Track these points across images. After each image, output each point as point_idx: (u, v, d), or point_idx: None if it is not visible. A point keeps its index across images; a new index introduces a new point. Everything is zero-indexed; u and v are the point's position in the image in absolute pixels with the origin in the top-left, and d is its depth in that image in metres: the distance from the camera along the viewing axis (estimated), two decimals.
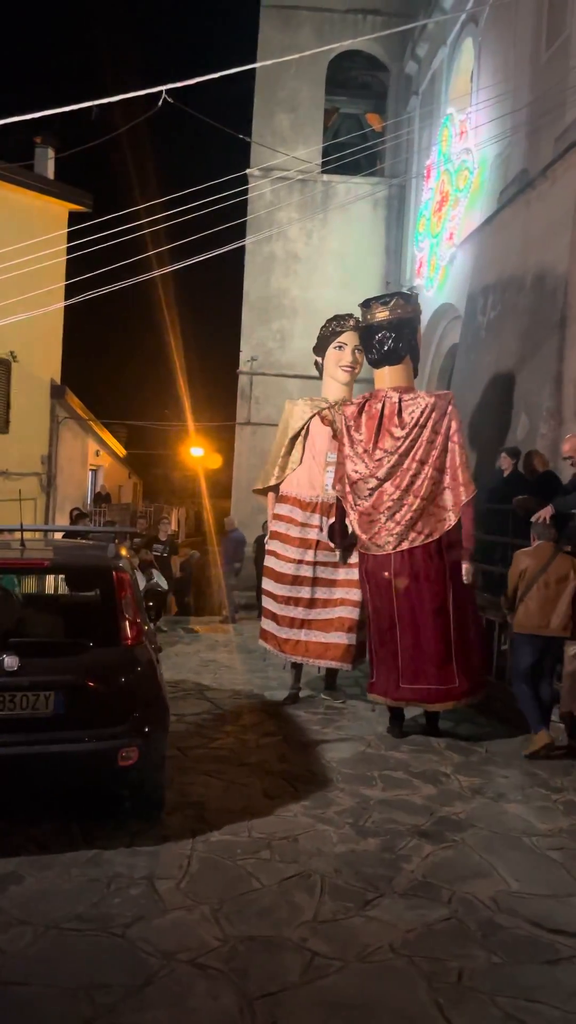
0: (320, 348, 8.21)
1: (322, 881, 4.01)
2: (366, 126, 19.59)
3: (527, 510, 7.50)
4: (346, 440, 7.18)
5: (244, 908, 3.73)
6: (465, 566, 6.73)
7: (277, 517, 7.99)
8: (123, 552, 5.42)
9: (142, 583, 10.72)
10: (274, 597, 7.81)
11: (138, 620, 4.76)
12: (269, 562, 7.98)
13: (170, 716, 4.92)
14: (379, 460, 6.91)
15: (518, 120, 11.19)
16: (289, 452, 7.95)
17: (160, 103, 6.45)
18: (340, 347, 7.95)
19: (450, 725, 7.04)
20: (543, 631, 6.15)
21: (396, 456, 6.82)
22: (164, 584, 11.93)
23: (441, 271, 14.46)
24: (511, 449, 8.85)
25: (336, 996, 3.09)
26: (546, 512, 6.82)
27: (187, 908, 3.71)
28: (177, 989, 3.10)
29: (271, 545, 8.00)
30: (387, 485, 6.82)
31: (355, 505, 7.02)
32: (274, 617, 7.81)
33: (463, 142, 13.50)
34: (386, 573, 6.72)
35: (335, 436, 7.54)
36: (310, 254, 18.33)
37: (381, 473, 6.86)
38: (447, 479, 6.79)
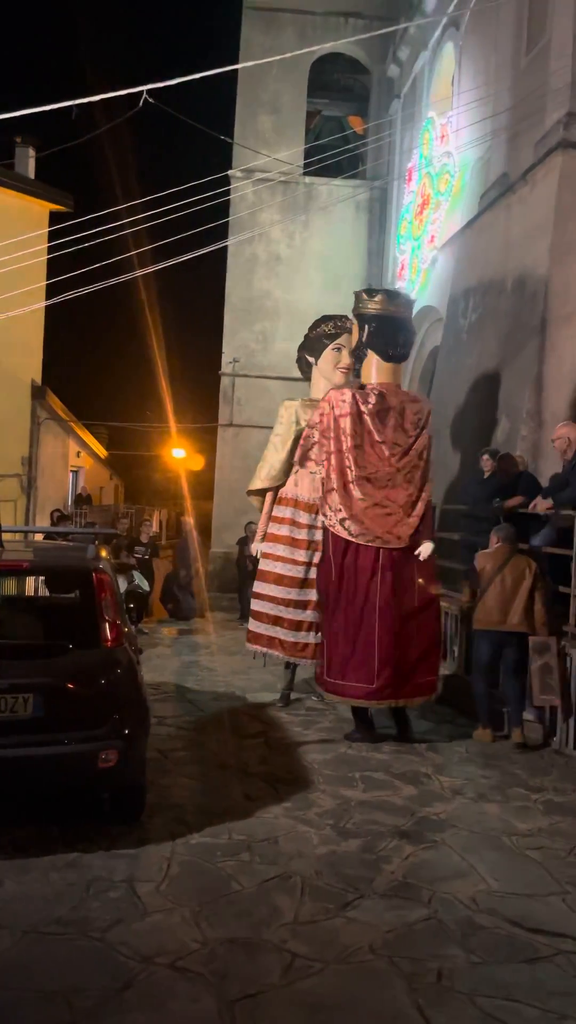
0: (313, 348, 8.08)
1: (303, 883, 4.01)
2: (348, 129, 19.64)
3: (507, 511, 7.57)
4: (360, 428, 6.90)
5: (224, 910, 3.72)
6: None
7: (277, 520, 7.89)
8: (103, 554, 5.39)
9: (124, 586, 10.68)
10: (275, 600, 7.73)
11: (118, 622, 4.74)
12: (268, 566, 7.84)
13: (151, 718, 4.91)
14: (397, 456, 6.91)
15: (498, 124, 11.26)
16: (293, 453, 7.78)
17: (141, 103, 6.43)
18: (339, 349, 7.85)
19: (431, 726, 7.07)
20: (501, 627, 6.48)
21: (411, 453, 6.94)
22: (145, 586, 11.88)
23: (423, 274, 14.52)
24: (492, 450, 8.90)
25: (316, 997, 3.08)
26: (546, 504, 6.91)
27: (167, 911, 3.70)
28: (156, 992, 3.08)
29: (269, 548, 7.87)
30: (406, 482, 6.89)
31: (360, 496, 6.81)
32: (276, 620, 7.70)
33: (444, 145, 13.58)
34: (394, 567, 6.66)
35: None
36: (292, 256, 18.36)
37: (404, 469, 6.89)
38: (428, 484, 7.04)
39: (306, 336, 8.24)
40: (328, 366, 7.93)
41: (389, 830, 4.71)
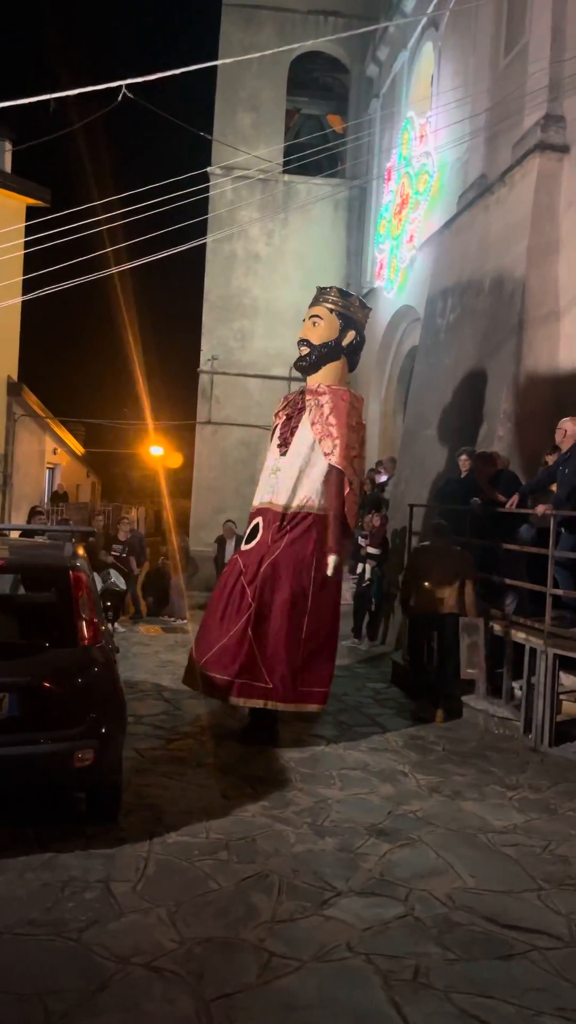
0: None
1: (280, 881, 4.01)
2: (327, 127, 19.68)
3: (484, 510, 7.61)
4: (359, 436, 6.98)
5: (201, 910, 3.70)
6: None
7: None
8: (80, 552, 5.35)
9: (100, 583, 10.61)
10: None
11: (95, 620, 4.70)
12: None
13: (128, 717, 4.88)
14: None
15: (477, 125, 11.32)
16: None
17: (120, 98, 6.37)
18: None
19: (407, 723, 7.10)
20: (439, 609, 7.27)
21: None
22: (122, 584, 11.80)
23: (401, 273, 14.57)
24: (469, 450, 8.95)
25: (293, 996, 3.08)
26: (545, 507, 6.96)
27: (143, 911, 3.68)
28: (132, 993, 3.06)
29: None
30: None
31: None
32: None
33: (423, 145, 13.62)
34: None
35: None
36: (271, 254, 18.34)
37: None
38: None
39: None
40: None
41: (366, 828, 4.72)
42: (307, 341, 7.09)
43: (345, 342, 7.07)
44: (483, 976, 3.26)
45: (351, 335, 7.10)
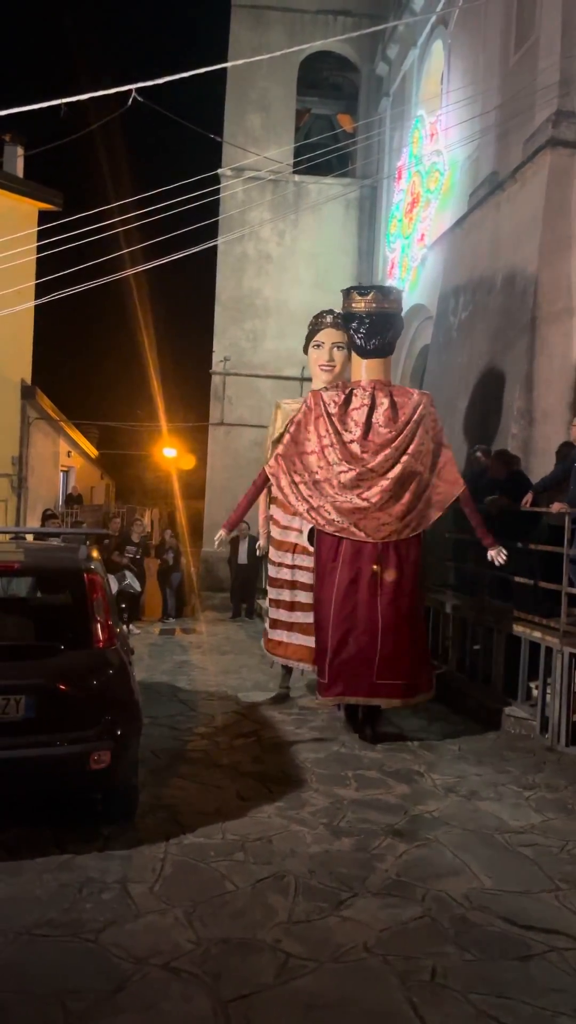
0: (306, 347, 7.97)
1: (296, 882, 4.01)
2: (337, 127, 19.66)
3: (500, 509, 7.58)
4: (324, 429, 6.84)
5: (218, 910, 3.71)
6: (492, 550, 6.84)
7: (272, 522, 7.87)
8: (94, 554, 5.37)
9: (115, 585, 10.66)
10: (273, 603, 7.79)
11: (110, 622, 4.72)
12: (270, 569, 7.97)
13: (143, 718, 4.90)
14: (373, 452, 6.76)
15: (487, 123, 11.28)
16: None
17: (130, 101, 6.41)
18: (318, 346, 7.71)
19: (423, 723, 7.09)
20: None
21: (391, 450, 6.71)
22: (136, 586, 11.85)
23: (413, 272, 14.53)
24: (484, 448, 8.92)
25: (310, 997, 3.08)
26: (526, 499, 6.95)
27: (160, 912, 3.69)
28: (150, 993, 3.07)
29: (275, 556, 7.85)
30: (382, 478, 6.67)
31: (325, 493, 6.77)
32: (304, 628, 7.55)
33: (434, 144, 13.58)
34: (374, 565, 6.59)
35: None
36: (282, 254, 18.35)
37: (375, 465, 6.70)
38: (434, 477, 6.81)
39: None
40: (313, 365, 7.84)
41: (382, 828, 4.71)
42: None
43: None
44: (501, 977, 3.24)
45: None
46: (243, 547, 13.89)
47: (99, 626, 4.61)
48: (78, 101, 6.32)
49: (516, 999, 3.10)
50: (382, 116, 17.31)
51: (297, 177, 18.00)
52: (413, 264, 14.50)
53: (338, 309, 7.42)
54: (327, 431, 6.83)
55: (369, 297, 6.98)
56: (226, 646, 11.02)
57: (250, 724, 6.96)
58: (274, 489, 7.32)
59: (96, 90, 6.33)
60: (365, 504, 6.63)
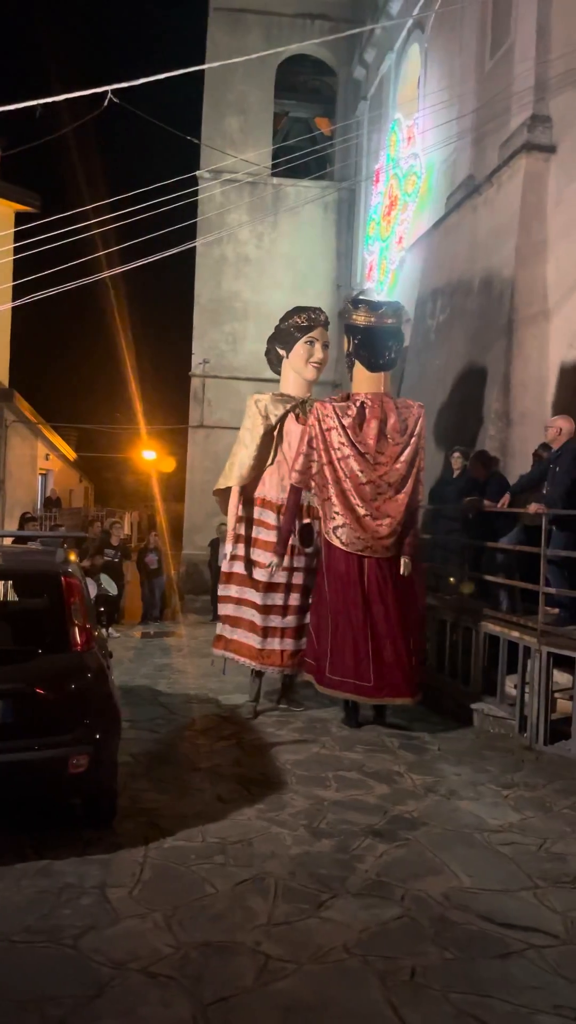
0: (284, 340, 7.78)
1: (276, 884, 4.00)
2: (315, 130, 19.70)
3: (477, 510, 7.63)
4: (343, 438, 7.02)
5: (198, 914, 3.70)
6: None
7: (251, 521, 7.64)
8: (72, 557, 5.34)
9: (94, 589, 10.61)
10: (241, 602, 7.58)
11: (88, 626, 4.70)
12: (239, 567, 7.60)
13: (122, 722, 4.87)
14: (385, 465, 7.00)
15: (464, 126, 11.35)
16: (263, 449, 7.57)
17: (106, 103, 6.39)
18: (311, 343, 7.65)
19: (403, 724, 7.11)
20: None
21: (402, 464, 7.01)
22: (113, 590, 11.80)
23: (391, 275, 14.59)
24: (463, 450, 8.97)
25: (290, 999, 3.08)
26: (503, 501, 7.05)
27: (140, 916, 3.67)
28: (129, 998, 3.06)
29: (240, 550, 7.61)
30: (396, 492, 6.98)
31: (352, 505, 6.95)
32: (238, 623, 7.56)
33: (411, 147, 13.66)
34: (383, 573, 6.90)
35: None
36: (261, 257, 18.36)
37: (391, 479, 6.98)
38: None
39: (277, 327, 7.90)
40: (300, 360, 7.70)
41: (362, 829, 4.72)
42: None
43: (349, 349, 7.50)
44: (480, 975, 3.26)
45: (351, 341, 7.51)
46: (223, 550, 13.85)
47: (77, 629, 4.59)
48: (54, 102, 6.29)
49: (495, 997, 3.11)
50: (359, 119, 17.38)
51: (275, 180, 18.03)
52: (391, 267, 14.56)
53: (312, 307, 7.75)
54: (342, 443, 7.03)
55: (383, 312, 7.32)
56: (207, 649, 10.94)
57: (230, 727, 6.95)
58: (262, 490, 7.45)
59: (73, 91, 6.30)
60: (381, 517, 6.92)
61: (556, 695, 6.61)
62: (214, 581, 14.24)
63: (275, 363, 8.10)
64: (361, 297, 7.76)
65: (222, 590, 7.87)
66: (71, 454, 25.77)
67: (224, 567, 7.82)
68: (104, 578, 11.55)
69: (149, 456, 26.59)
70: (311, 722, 7.10)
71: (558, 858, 4.38)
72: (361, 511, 6.92)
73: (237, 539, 7.70)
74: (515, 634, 6.80)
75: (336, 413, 7.09)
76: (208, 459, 18.12)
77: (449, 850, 4.45)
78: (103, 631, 5.81)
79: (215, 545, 14.22)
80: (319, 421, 7.15)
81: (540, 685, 6.38)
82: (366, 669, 6.80)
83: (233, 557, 7.68)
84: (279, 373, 8.08)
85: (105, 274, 11.53)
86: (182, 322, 18.97)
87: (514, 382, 9.31)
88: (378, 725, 6.98)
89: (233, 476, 7.68)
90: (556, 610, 6.86)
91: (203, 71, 16.35)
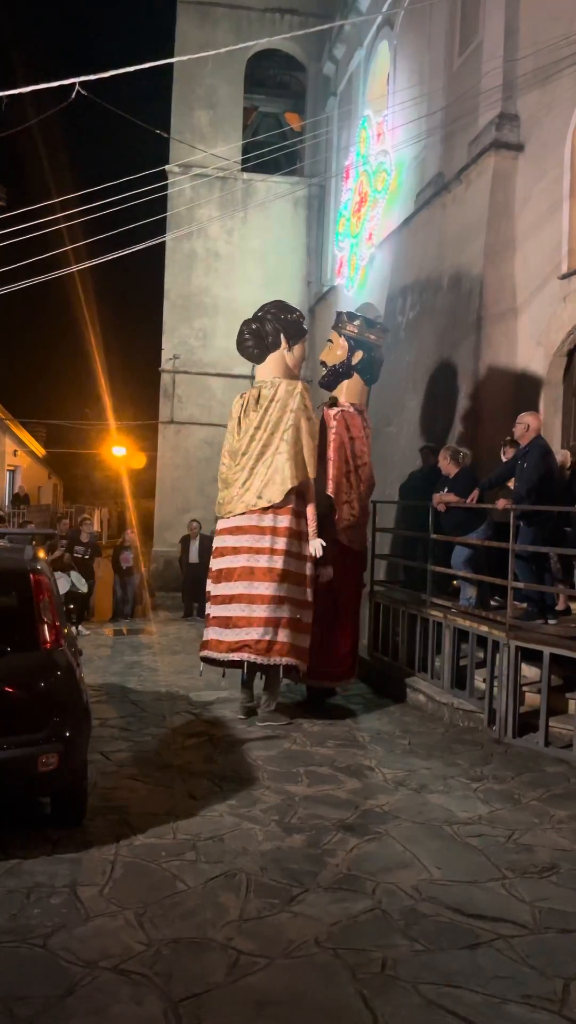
0: (292, 334, 7.52)
1: (248, 880, 4.01)
2: (285, 125, 19.69)
3: (447, 505, 7.68)
4: (349, 454, 7.73)
5: (169, 911, 3.69)
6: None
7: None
8: (41, 555, 5.29)
9: (65, 586, 10.52)
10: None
11: (57, 624, 4.66)
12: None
13: (92, 720, 4.84)
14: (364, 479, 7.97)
15: (433, 124, 11.42)
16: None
17: (74, 95, 6.32)
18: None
19: (373, 719, 7.16)
20: None
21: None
22: (84, 587, 11.72)
23: (361, 271, 14.63)
24: (431, 446, 9.04)
25: (261, 993, 3.09)
26: (472, 496, 7.14)
27: (110, 914, 3.65)
28: (99, 997, 3.04)
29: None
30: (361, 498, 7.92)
31: (364, 507, 8.01)
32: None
33: (380, 144, 13.70)
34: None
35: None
36: (231, 252, 18.30)
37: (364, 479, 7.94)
38: None
39: (286, 318, 7.56)
40: (297, 360, 7.59)
41: (333, 824, 4.74)
42: (323, 363, 8.06)
43: (354, 361, 7.86)
44: (449, 966, 3.29)
45: (359, 355, 7.87)
46: (194, 546, 13.83)
47: (46, 627, 4.55)
48: (20, 94, 6.21)
49: (464, 987, 3.14)
50: (329, 115, 17.39)
51: (245, 175, 17.98)
52: (361, 263, 14.60)
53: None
54: (350, 457, 7.72)
55: (380, 330, 8.20)
56: (177, 646, 10.97)
57: (202, 724, 6.94)
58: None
59: (39, 83, 6.23)
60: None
61: (524, 689, 6.70)
62: (184, 578, 14.23)
63: (259, 344, 7.52)
64: (373, 318, 8.57)
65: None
66: (40, 450, 25.55)
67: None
68: (74, 575, 11.46)
69: (119, 452, 26.45)
70: (283, 719, 7.10)
71: (526, 849, 4.44)
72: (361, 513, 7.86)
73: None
74: (484, 629, 6.86)
75: (349, 426, 7.75)
76: (179, 455, 18.07)
77: (419, 843, 4.49)
78: (72, 629, 5.76)
79: (186, 542, 14.19)
80: (347, 429, 7.71)
81: (509, 679, 6.45)
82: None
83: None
84: (260, 354, 7.56)
85: (73, 268, 11.44)
86: (152, 318, 18.91)
87: (483, 379, 9.39)
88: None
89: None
90: (524, 605, 6.95)
91: (172, 65, 16.27)
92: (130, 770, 5.62)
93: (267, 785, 5.39)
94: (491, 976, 3.23)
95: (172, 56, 15.48)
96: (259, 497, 7.08)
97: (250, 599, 6.96)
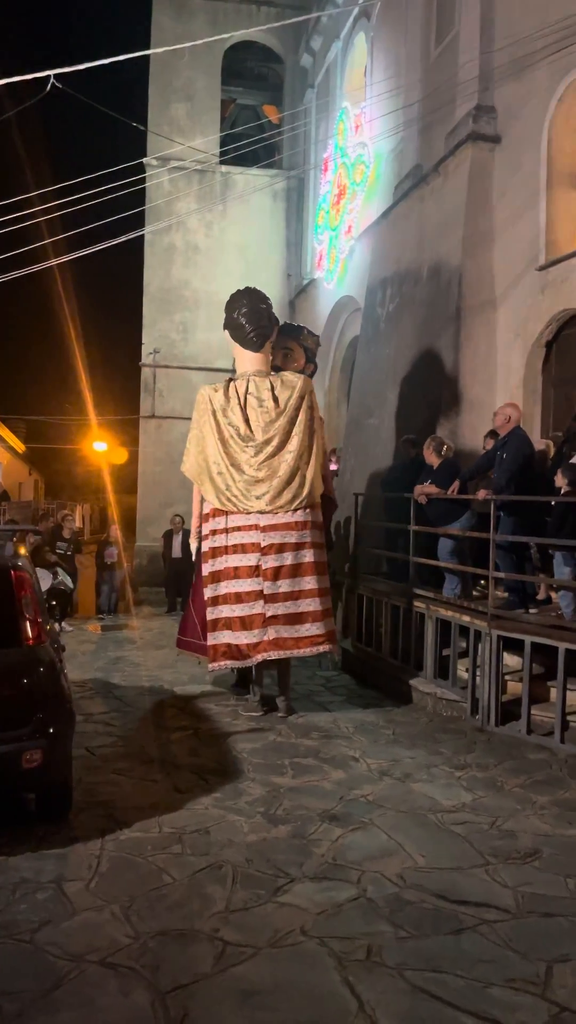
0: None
1: (234, 871, 4.03)
2: (263, 117, 19.62)
3: (428, 496, 7.72)
4: None
5: (155, 904, 3.71)
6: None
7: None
8: (22, 551, 5.27)
9: (48, 582, 10.47)
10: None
11: (39, 620, 4.65)
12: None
13: (76, 715, 4.84)
14: None
15: (411, 116, 11.42)
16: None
17: (49, 87, 6.27)
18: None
19: (358, 710, 7.19)
20: None
21: None
22: (69, 583, 11.67)
23: (341, 264, 14.64)
24: (412, 437, 9.07)
25: (248, 983, 3.11)
26: (452, 488, 7.17)
27: (97, 908, 3.66)
28: (87, 990, 3.05)
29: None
30: None
31: None
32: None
33: (359, 136, 13.69)
34: None
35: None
36: (211, 246, 18.24)
37: None
38: None
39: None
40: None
41: (319, 814, 4.77)
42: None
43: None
44: (434, 952, 3.33)
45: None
46: (177, 541, 13.80)
47: (28, 624, 4.53)
48: None
49: (449, 972, 3.18)
50: (307, 107, 17.35)
51: (224, 167, 17.91)
52: (341, 256, 14.60)
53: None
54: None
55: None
56: (161, 640, 10.95)
57: (186, 718, 6.95)
58: None
59: (13, 75, 6.18)
60: None
61: (506, 677, 6.76)
62: (168, 573, 14.20)
63: (261, 336, 7.31)
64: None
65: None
66: (19, 446, 25.38)
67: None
68: (60, 571, 11.41)
69: (100, 447, 26.33)
70: (268, 711, 7.12)
71: (509, 835, 4.49)
72: None
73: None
74: (466, 618, 6.91)
75: None
76: (160, 449, 18.01)
77: (404, 831, 4.53)
78: (55, 625, 5.75)
79: (169, 536, 14.15)
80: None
81: (491, 668, 6.51)
82: None
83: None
84: (258, 349, 7.33)
85: (52, 262, 11.36)
86: (132, 312, 18.79)
87: (463, 370, 9.44)
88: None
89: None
90: (506, 594, 7.01)
91: (148, 57, 16.16)
92: (115, 765, 5.63)
93: (252, 777, 5.42)
94: (475, 960, 3.27)
95: (148, 49, 15.38)
96: (295, 496, 6.98)
97: (303, 594, 6.96)
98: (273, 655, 6.90)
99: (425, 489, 7.68)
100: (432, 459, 7.95)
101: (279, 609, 6.89)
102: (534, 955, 3.30)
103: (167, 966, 3.21)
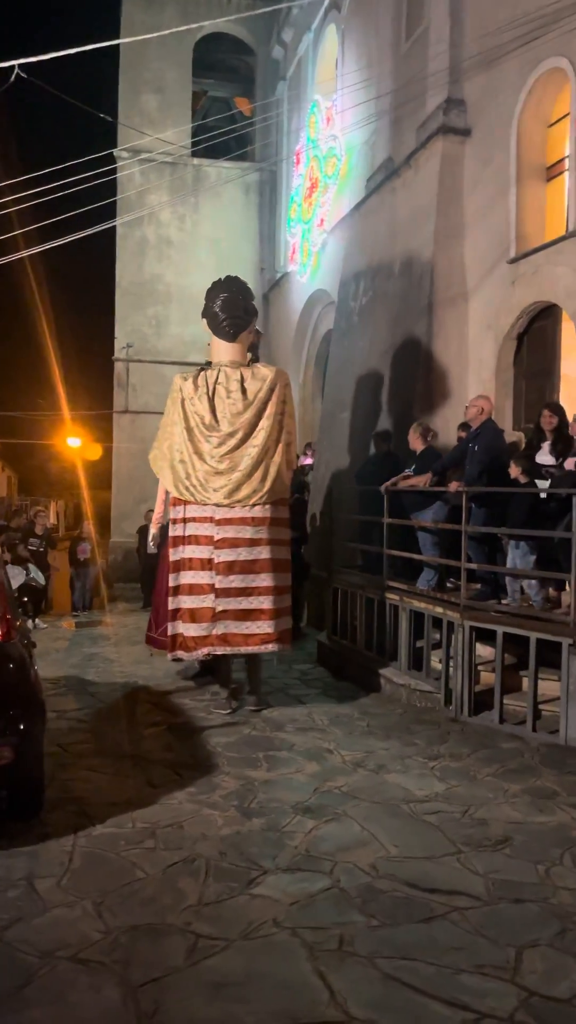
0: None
1: (207, 864, 4.03)
2: (235, 110, 19.54)
3: (405, 487, 7.74)
4: None
5: (128, 899, 3.69)
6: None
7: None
8: None
9: (21, 579, 10.39)
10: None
11: (8, 616, 4.61)
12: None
13: (47, 712, 4.81)
14: None
15: (382, 108, 11.42)
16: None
17: (13, 77, 6.19)
18: None
19: (332, 702, 7.21)
20: None
21: None
22: (41, 580, 11.58)
23: (314, 257, 14.62)
24: (383, 432, 9.09)
25: (220, 975, 3.11)
26: (425, 479, 7.15)
27: (68, 905, 3.64)
28: (58, 986, 3.04)
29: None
30: None
31: None
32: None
33: (330, 128, 13.67)
34: None
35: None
36: (183, 239, 18.15)
37: None
38: None
39: (253, 304, 7.31)
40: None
41: (292, 807, 4.78)
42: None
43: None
44: (405, 940, 3.35)
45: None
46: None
47: None
48: None
49: (420, 960, 3.20)
50: (279, 99, 17.29)
51: (195, 160, 17.81)
52: (314, 249, 14.59)
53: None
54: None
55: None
56: (136, 636, 10.89)
57: (161, 713, 6.93)
58: None
59: None
60: None
61: (479, 668, 6.81)
62: (143, 568, 14.14)
63: (241, 328, 7.20)
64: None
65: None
66: None
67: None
68: (32, 568, 11.33)
69: (74, 443, 26.11)
70: (242, 705, 7.12)
71: (481, 823, 4.53)
72: None
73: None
74: (439, 610, 6.95)
75: None
76: (134, 444, 17.89)
77: (377, 822, 4.55)
78: (27, 622, 5.71)
79: (143, 532, 14.08)
80: None
81: (464, 659, 6.55)
82: None
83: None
84: (233, 339, 7.18)
85: (22, 254, 11.23)
86: (105, 306, 18.66)
87: (435, 363, 9.47)
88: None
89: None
90: (478, 585, 7.05)
91: (117, 47, 16.02)
92: (89, 761, 5.59)
93: (227, 771, 5.41)
94: (446, 948, 3.30)
95: (117, 39, 15.21)
96: (254, 492, 6.81)
97: (255, 591, 6.78)
98: (219, 651, 6.79)
99: (410, 480, 7.67)
100: (416, 444, 7.92)
101: (229, 604, 6.71)
102: (504, 941, 3.33)
103: (139, 960, 3.20)
